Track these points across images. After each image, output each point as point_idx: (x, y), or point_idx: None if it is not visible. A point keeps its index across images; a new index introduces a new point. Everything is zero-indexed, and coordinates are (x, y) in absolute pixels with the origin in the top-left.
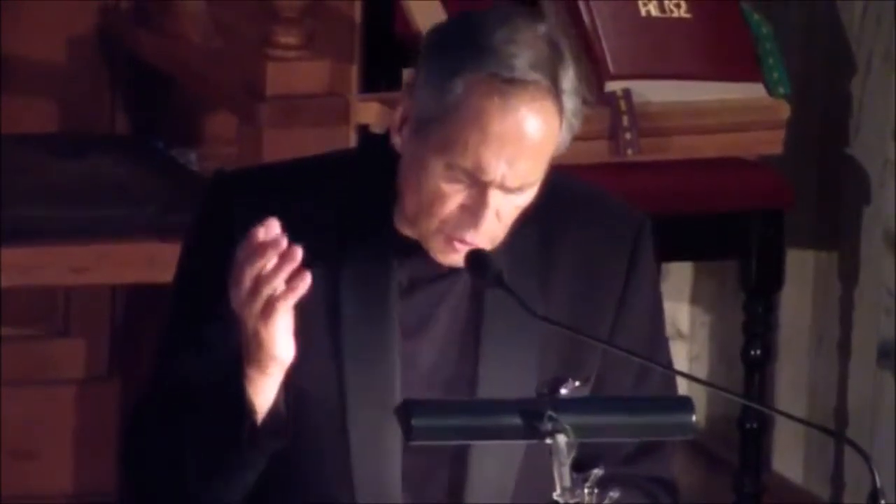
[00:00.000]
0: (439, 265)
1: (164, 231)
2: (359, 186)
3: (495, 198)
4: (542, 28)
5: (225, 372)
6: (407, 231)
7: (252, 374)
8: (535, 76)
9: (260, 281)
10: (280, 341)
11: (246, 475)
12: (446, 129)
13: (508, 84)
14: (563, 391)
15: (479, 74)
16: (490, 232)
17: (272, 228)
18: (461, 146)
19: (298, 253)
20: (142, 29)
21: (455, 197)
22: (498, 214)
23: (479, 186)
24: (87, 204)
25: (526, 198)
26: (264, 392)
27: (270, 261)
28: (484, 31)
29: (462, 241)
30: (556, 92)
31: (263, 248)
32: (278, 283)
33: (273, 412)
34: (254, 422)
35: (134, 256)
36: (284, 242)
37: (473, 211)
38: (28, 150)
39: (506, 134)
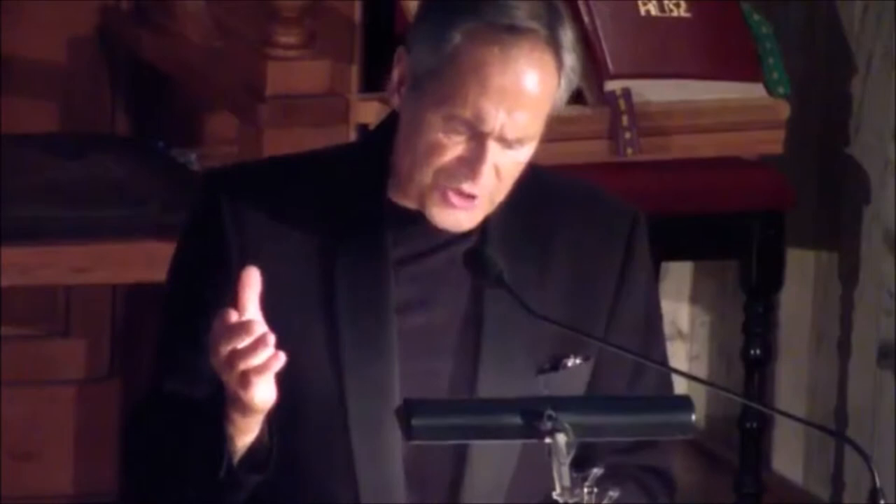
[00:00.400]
0: (437, 237)
1: (165, 231)
2: (352, 170)
3: (494, 150)
4: None
5: (208, 405)
6: (403, 200)
7: (234, 415)
8: (534, 25)
9: (235, 356)
10: (259, 396)
11: (233, 500)
12: (445, 81)
13: (508, 33)
14: (567, 365)
15: (477, 24)
16: (489, 188)
17: (251, 288)
18: (460, 97)
19: (271, 339)
20: (142, 29)
21: (453, 149)
22: (497, 172)
23: (477, 138)
24: (87, 204)
25: (524, 153)
26: (246, 430)
27: (244, 341)
28: None
29: (459, 193)
30: (555, 45)
31: (237, 329)
32: (253, 361)
33: (256, 445)
34: (231, 463)
35: (134, 256)
36: (257, 328)
37: (471, 163)
38: (28, 150)
39: (505, 84)
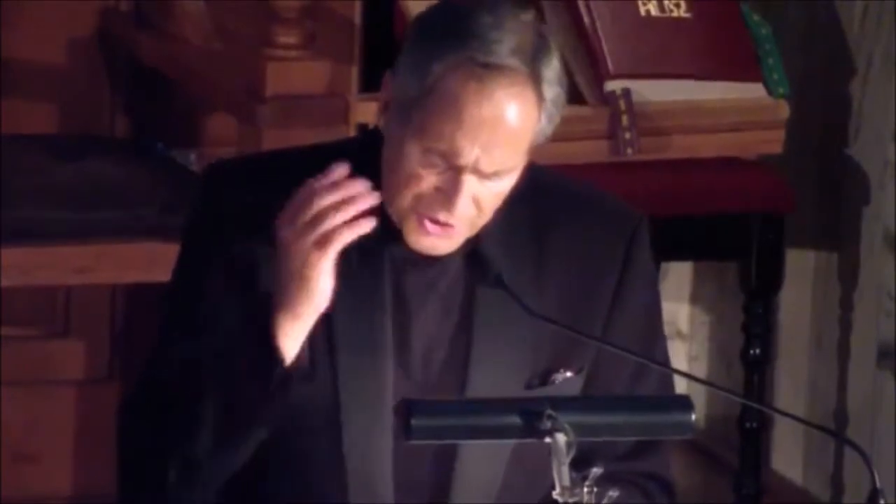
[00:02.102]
0: None
1: (164, 232)
2: (354, 171)
3: (470, 183)
4: (527, 16)
5: (247, 321)
6: (389, 210)
7: (282, 320)
8: (513, 62)
9: (322, 213)
10: (323, 282)
11: (261, 433)
12: (423, 112)
13: (486, 69)
14: (556, 381)
15: (458, 58)
16: (467, 217)
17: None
18: (437, 130)
19: (374, 198)
20: (141, 30)
21: (430, 179)
22: (476, 202)
23: (453, 170)
24: (86, 205)
25: (504, 185)
26: (292, 338)
27: (337, 196)
28: (469, 15)
29: (434, 221)
30: (535, 80)
31: (336, 185)
32: (339, 219)
33: (298, 359)
34: (283, 367)
35: (134, 257)
36: (360, 186)
37: (447, 194)
38: (28, 152)
39: (481, 119)
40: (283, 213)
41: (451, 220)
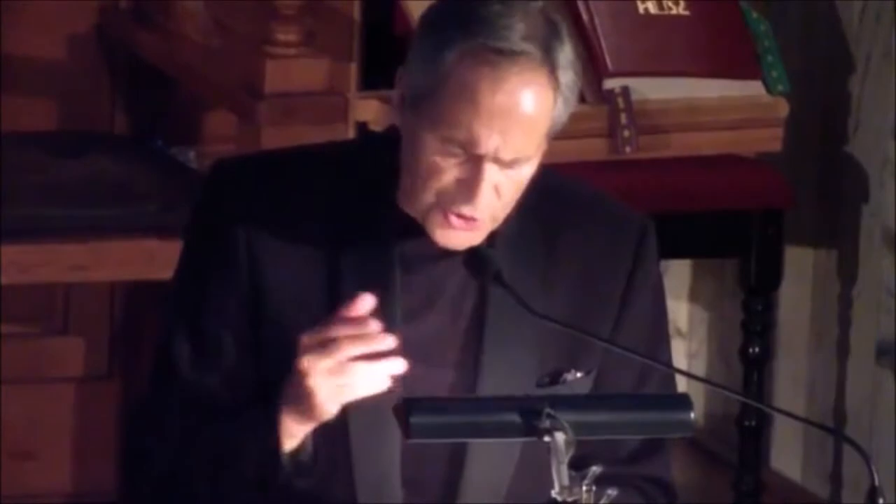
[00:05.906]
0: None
1: (164, 229)
2: (360, 171)
3: (491, 171)
4: (537, 4)
5: (253, 413)
6: (409, 209)
7: (288, 421)
8: (527, 47)
9: (344, 342)
10: (328, 405)
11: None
12: (439, 102)
13: (499, 55)
14: (566, 381)
15: (470, 45)
16: (489, 208)
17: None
18: (453, 119)
19: (392, 342)
20: (141, 28)
21: (450, 171)
22: (497, 191)
23: (473, 160)
24: (86, 203)
25: (524, 173)
26: (295, 436)
27: (362, 331)
28: (478, 4)
29: (459, 216)
30: (549, 65)
31: (361, 320)
32: (356, 351)
33: (299, 449)
34: (283, 467)
35: (133, 254)
36: (378, 327)
37: (469, 184)
38: (28, 149)
39: (496, 105)
40: (315, 328)
41: (476, 214)
